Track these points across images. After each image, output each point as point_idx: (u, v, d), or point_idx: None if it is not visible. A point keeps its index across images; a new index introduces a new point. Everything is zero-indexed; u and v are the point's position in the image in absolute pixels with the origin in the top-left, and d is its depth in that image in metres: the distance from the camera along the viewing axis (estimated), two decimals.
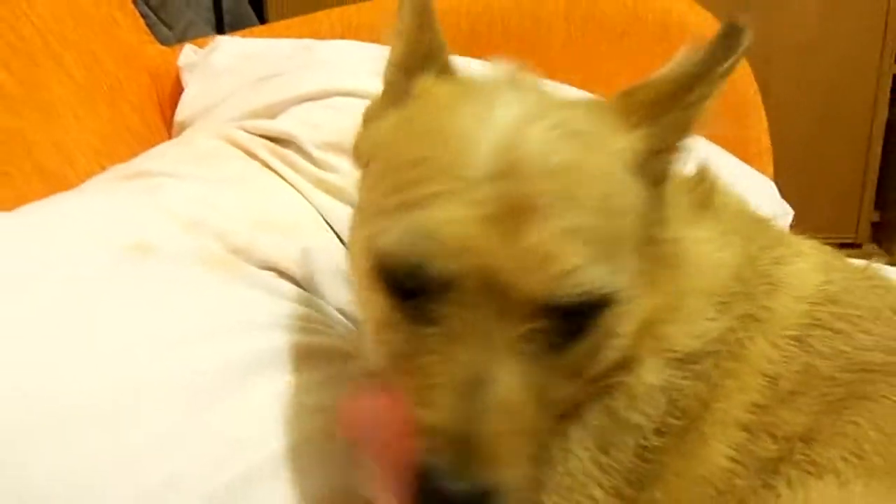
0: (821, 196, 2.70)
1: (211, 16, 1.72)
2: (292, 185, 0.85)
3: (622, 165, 0.51)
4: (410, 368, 0.48)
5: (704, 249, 0.61)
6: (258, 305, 0.69)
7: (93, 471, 0.53)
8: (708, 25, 1.21)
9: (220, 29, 1.73)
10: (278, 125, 0.88)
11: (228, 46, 1.14)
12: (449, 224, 0.45)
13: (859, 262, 0.69)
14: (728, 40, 0.51)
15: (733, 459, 0.54)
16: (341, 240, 0.81)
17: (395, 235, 0.47)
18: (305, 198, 0.85)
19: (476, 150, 0.46)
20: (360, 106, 0.62)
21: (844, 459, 0.52)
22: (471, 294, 0.46)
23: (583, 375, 0.52)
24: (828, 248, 0.71)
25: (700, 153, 0.74)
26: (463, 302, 0.46)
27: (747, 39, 0.51)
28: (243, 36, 1.20)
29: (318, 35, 1.15)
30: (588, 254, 0.46)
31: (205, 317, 0.65)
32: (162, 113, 1.19)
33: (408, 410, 0.46)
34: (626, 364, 0.55)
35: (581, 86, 1.13)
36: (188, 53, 1.18)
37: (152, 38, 1.27)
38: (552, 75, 1.07)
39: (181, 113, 1.09)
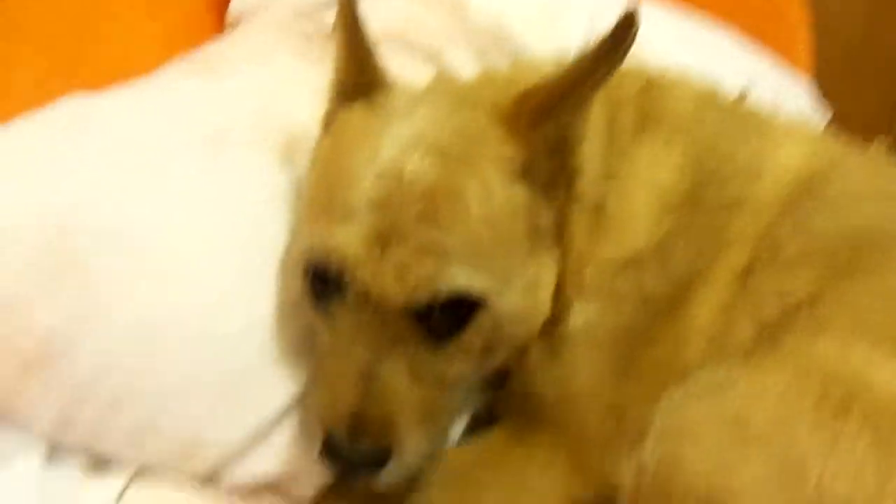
0: (865, 95, 2.66)
1: None
2: None
3: (496, 176, 0.59)
4: (321, 356, 0.61)
5: (638, 166, 0.68)
6: None
7: (174, 300, 0.64)
8: None
9: None
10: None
11: None
12: (339, 245, 0.57)
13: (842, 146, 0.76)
14: (620, 38, 0.55)
15: (722, 318, 0.63)
16: None
17: (310, 250, 0.60)
18: None
19: (360, 186, 0.57)
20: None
21: (847, 323, 0.60)
22: (356, 299, 0.57)
23: (486, 356, 0.62)
24: (818, 130, 0.78)
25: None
26: (352, 306, 0.57)
27: (635, 36, 0.55)
28: None
29: None
30: (442, 263, 0.56)
31: (272, 199, 0.74)
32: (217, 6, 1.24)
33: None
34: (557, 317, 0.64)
35: None
36: None
37: None
38: None
39: (236, 6, 1.14)
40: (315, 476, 0.66)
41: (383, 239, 0.56)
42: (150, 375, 0.62)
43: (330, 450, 0.57)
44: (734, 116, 0.75)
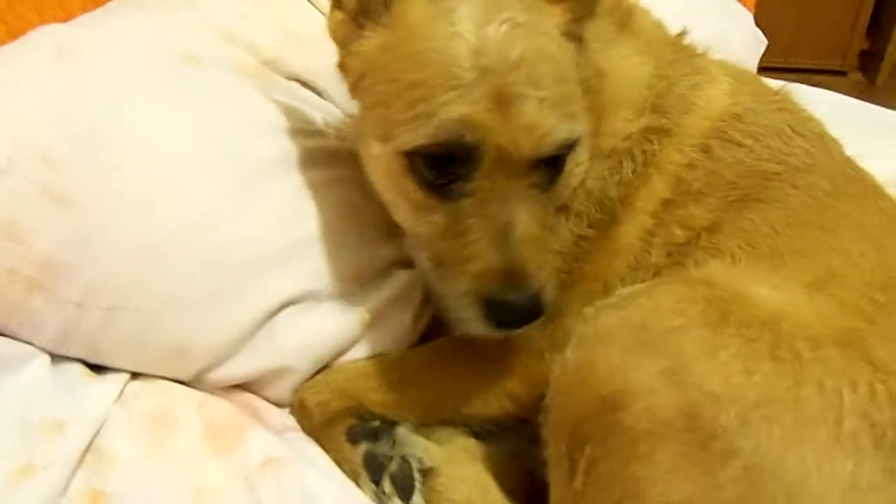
0: (814, 24, 2.73)
1: None
2: (312, 3, 0.96)
3: (556, 38, 0.68)
4: (450, 235, 0.65)
5: (624, 65, 0.78)
6: (286, 111, 0.84)
7: (159, 224, 0.71)
8: None
9: None
10: None
11: None
12: (465, 116, 0.62)
13: (774, 84, 0.84)
14: None
15: (644, 240, 0.73)
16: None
17: (432, 131, 0.62)
18: (322, 14, 0.95)
19: (460, 65, 0.63)
20: None
21: (740, 247, 0.71)
22: (489, 163, 0.63)
23: (562, 202, 0.70)
24: (744, 71, 0.86)
25: None
26: (485, 171, 0.63)
27: None
28: None
29: None
30: (557, 116, 0.64)
31: (246, 118, 0.81)
32: None
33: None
34: None
35: None
36: None
37: None
38: None
39: None
40: (290, 379, 0.76)
41: (502, 103, 0.62)
42: (141, 292, 0.70)
43: (495, 311, 0.63)
44: (681, 49, 0.83)
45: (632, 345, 0.59)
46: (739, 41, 1.22)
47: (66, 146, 0.70)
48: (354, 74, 0.71)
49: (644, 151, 0.75)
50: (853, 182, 0.77)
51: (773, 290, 0.64)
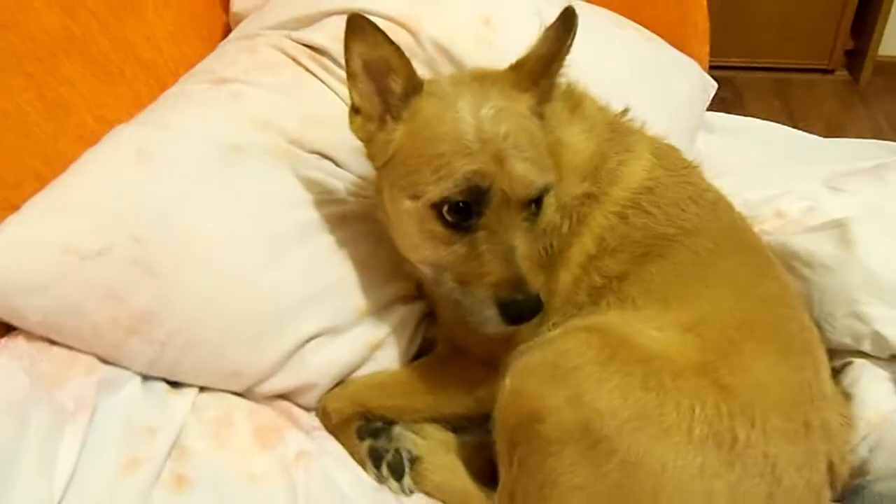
0: (799, 24, 2.89)
1: None
2: (328, 87, 1.20)
3: (528, 116, 0.93)
4: (469, 259, 0.89)
5: (574, 140, 1.02)
6: (312, 185, 1.10)
7: (219, 284, 0.98)
8: None
9: None
10: (316, 39, 1.20)
11: None
12: (477, 170, 0.87)
13: (687, 160, 1.08)
14: (567, 25, 0.90)
15: (574, 284, 0.98)
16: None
17: (453, 184, 0.87)
18: (338, 95, 1.20)
19: (468, 139, 0.88)
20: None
21: (639, 293, 0.95)
22: (495, 203, 0.88)
23: (540, 238, 0.96)
24: (666, 147, 1.09)
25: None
26: (492, 209, 0.88)
27: (578, 23, 0.89)
28: None
29: None
30: (537, 170, 0.89)
31: (278, 193, 1.07)
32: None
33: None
34: None
35: None
36: None
37: None
38: None
39: (236, 4, 1.39)
40: (316, 391, 1.03)
41: (499, 161, 0.87)
42: (206, 333, 0.97)
43: (509, 309, 0.86)
44: (617, 129, 1.07)
45: (547, 378, 0.85)
46: (685, 91, 1.44)
47: (148, 229, 0.96)
48: (384, 157, 0.95)
49: (579, 213, 0.99)
50: (733, 241, 1.01)
51: (656, 331, 0.89)
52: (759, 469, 0.84)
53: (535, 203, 0.91)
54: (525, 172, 0.88)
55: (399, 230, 0.96)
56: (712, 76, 1.59)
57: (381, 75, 0.92)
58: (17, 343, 0.94)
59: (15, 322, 0.93)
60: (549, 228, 0.99)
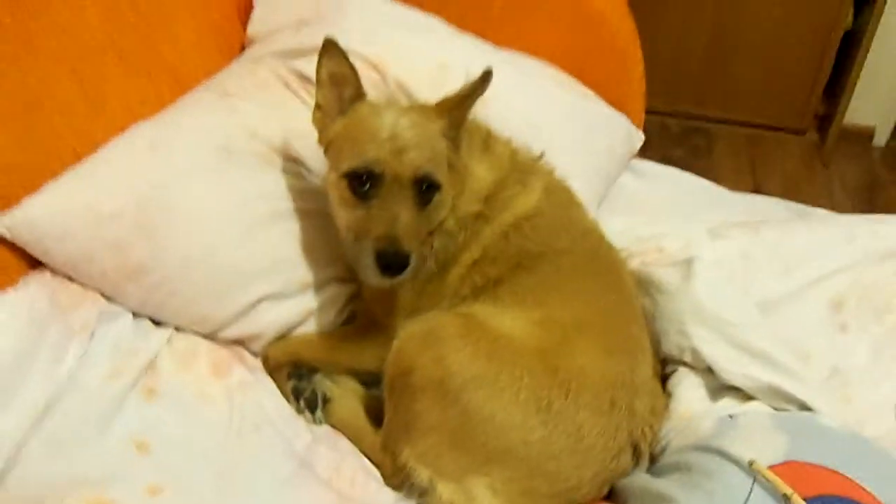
0: (777, 85, 3.15)
1: None
2: (308, 108, 1.51)
3: (436, 134, 1.22)
4: (363, 222, 1.18)
5: (479, 169, 1.32)
6: (283, 183, 1.41)
7: (200, 249, 1.29)
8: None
9: None
10: (306, 69, 1.52)
11: None
12: (376, 158, 1.16)
13: (574, 198, 1.37)
14: (484, 80, 1.20)
15: (461, 281, 1.28)
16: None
17: (357, 162, 1.18)
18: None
19: (380, 135, 1.17)
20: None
21: (508, 295, 1.25)
22: (388, 182, 1.16)
23: (431, 225, 1.24)
24: (562, 188, 1.39)
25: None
26: (386, 186, 1.16)
27: (490, 81, 1.20)
28: None
29: None
30: (426, 162, 1.18)
31: (258, 188, 1.38)
32: (239, 17, 1.80)
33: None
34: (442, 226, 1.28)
35: (511, 41, 1.72)
36: None
37: None
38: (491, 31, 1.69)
39: (251, 28, 1.72)
40: (262, 340, 1.35)
41: (398, 153, 1.16)
42: (187, 283, 1.28)
43: (381, 257, 1.12)
44: (520, 167, 1.37)
45: (420, 343, 1.15)
46: (608, 142, 1.73)
47: (151, 202, 1.28)
48: (327, 142, 1.27)
49: (473, 228, 1.29)
50: (592, 264, 1.31)
51: (510, 321, 1.19)
52: (567, 430, 1.13)
53: (425, 190, 1.18)
54: (414, 158, 1.16)
55: (330, 200, 1.28)
56: (688, 126, 1.86)
57: (339, 84, 1.25)
58: (43, 275, 1.26)
59: (44, 259, 1.25)
60: (448, 233, 1.28)
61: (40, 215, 1.22)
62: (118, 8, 1.42)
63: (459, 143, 1.27)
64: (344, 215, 1.23)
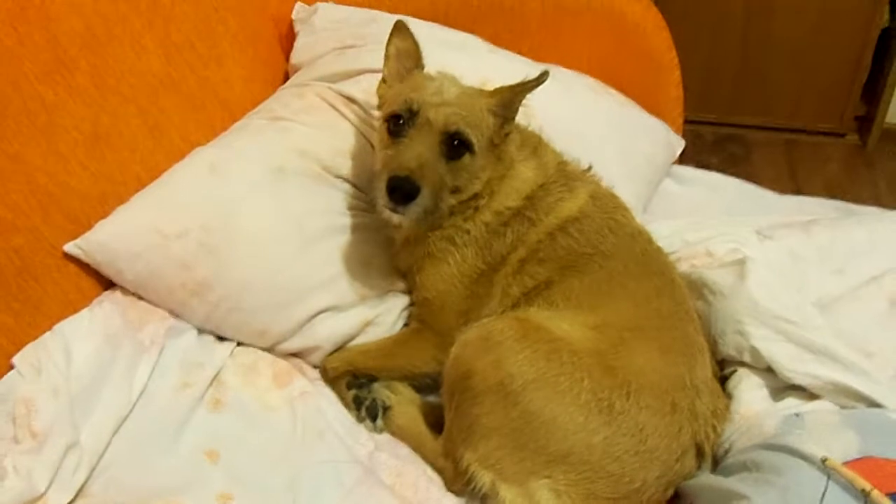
0: (813, 89, 3.13)
1: None
2: (356, 128, 1.57)
3: (481, 107, 1.27)
4: (391, 159, 1.24)
5: (525, 169, 1.36)
6: (334, 199, 1.46)
7: (259, 265, 1.34)
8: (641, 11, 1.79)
9: None
10: (351, 91, 1.57)
11: (324, 12, 1.79)
12: (414, 98, 1.25)
13: (620, 203, 1.40)
14: (540, 78, 1.25)
15: (508, 283, 1.30)
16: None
17: (397, 104, 1.26)
18: (363, 134, 1.56)
19: (426, 90, 1.27)
20: None
21: (561, 299, 1.27)
22: (420, 124, 1.23)
23: (458, 187, 1.28)
24: (605, 191, 1.41)
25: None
26: (417, 128, 1.23)
27: (546, 80, 1.24)
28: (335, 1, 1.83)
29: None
30: (462, 120, 1.24)
31: (310, 206, 1.43)
32: (282, 48, 1.87)
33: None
34: (476, 205, 1.31)
35: (549, 55, 1.76)
36: (298, 9, 1.84)
37: None
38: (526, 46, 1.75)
39: (294, 58, 1.78)
40: (320, 352, 1.38)
41: (437, 104, 1.23)
42: (246, 299, 1.33)
43: (392, 181, 1.19)
44: (566, 173, 1.40)
45: (478, 347, 1.17)
46: (648, 149, 1.75)
47: (214, 221, 1.33)
48: (383, 102, 1.36)
49: (518, 230, 1.33)
50: (641, 266, 1.32)
51: (567, 326, 1.21)
52: (630, 431, 1.14)
53: (455, 146, 1.24)
54: (449, 114, 1.23)
55: (376, 142, 1.36)
56: (723, 133, 1.86)
57: (403, 58, 1.34)
58: (115, 295, 1.32)
59: (116, 279, 1.32)
60: (490, 228, 1.33)
61: (111, 237, 1.29)
62: (176, 49, 1.52)
63: (508, 129, 1.32)
64: (381, 157, 1.30)
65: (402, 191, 1.19)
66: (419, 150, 1.21)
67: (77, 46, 1.33)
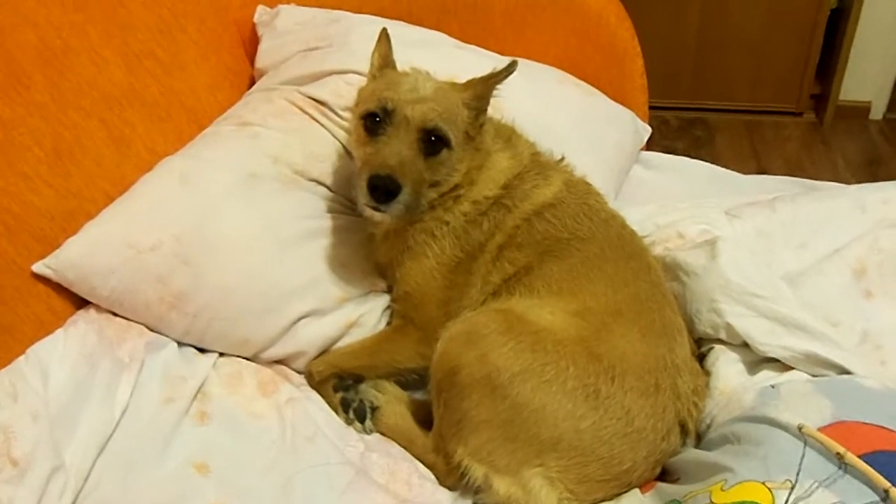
0: (770, 71, 3.21)
1: None
2: (328, 130, 1.56)
3: (456, 101, 1.28)
4: (370, 156, 1.26)
5: (500, 158, 1.37)
6: (309, 203, 1.45)
7: (237, 273, 1.33)
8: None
9: None
10: (320, 93, 1.56)
11: (286, 14, 1.77)
12: (389, 97, 1.26)
13: (593, 190, 1.42)
14: (509, 68, 1.27)
15: (488, 270, 1.31)
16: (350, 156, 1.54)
17: (374, 103, 1.26)
18: (334, 137, 1.56)
19: (402, 86, 1.27)
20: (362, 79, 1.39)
21: (541, 285, 1.28)
22: (397, 122, 1.24)
23: (438, 182, 1.30)
24: (581, 182, 1.43)
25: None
26: (394, 126, 1.24)
27: (515, 70, 1.27)
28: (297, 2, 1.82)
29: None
30: (438, 116, 1.25)
31: (284, 211, 1.42)
32: (246, 53, 1.85)
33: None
34: (455, 196, 1.33)
35: (513, 49, 1.77)
36: (260, 13, 1.82)
37: None
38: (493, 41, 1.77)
39: (259, 62, 1.76)
40: (305, 358, 1.38)
41: (412, 101, 1.24)
42: (225, 309, 1.32)
43: (372, 181, 1.20)
44: (540, 162, 1.41)
45: (463, 342, 1.18)
46: (616, 137, 1.78)
47: (187, 232, 1.32)
48: (359, 99, 1.37)
49: (495, 217, 1.34)
50: (617, 250, 1.34)
51: (549, 314, 1.22)
52: (617, 414, 1.16)
53: (433, 141, 1.25)
54: (426, 111, 1.24)
55: (350, 140, 1.38)
56: (687, 118, 1.90)
57: (385, 64, 1.36)
58: (90, 313, 1.29)
59: (89, 297, 1.29)
60: (468, 219, 1.34)
61: (82, 255, 1.26)
62: (137, 59, 1.50)
63: (482, 121, 1.34)
64: (357, 152, 1.32)
65: (383, 189, 1.20)
66: (398, 148, 1.23)
67: (31, 60, 1.30)
